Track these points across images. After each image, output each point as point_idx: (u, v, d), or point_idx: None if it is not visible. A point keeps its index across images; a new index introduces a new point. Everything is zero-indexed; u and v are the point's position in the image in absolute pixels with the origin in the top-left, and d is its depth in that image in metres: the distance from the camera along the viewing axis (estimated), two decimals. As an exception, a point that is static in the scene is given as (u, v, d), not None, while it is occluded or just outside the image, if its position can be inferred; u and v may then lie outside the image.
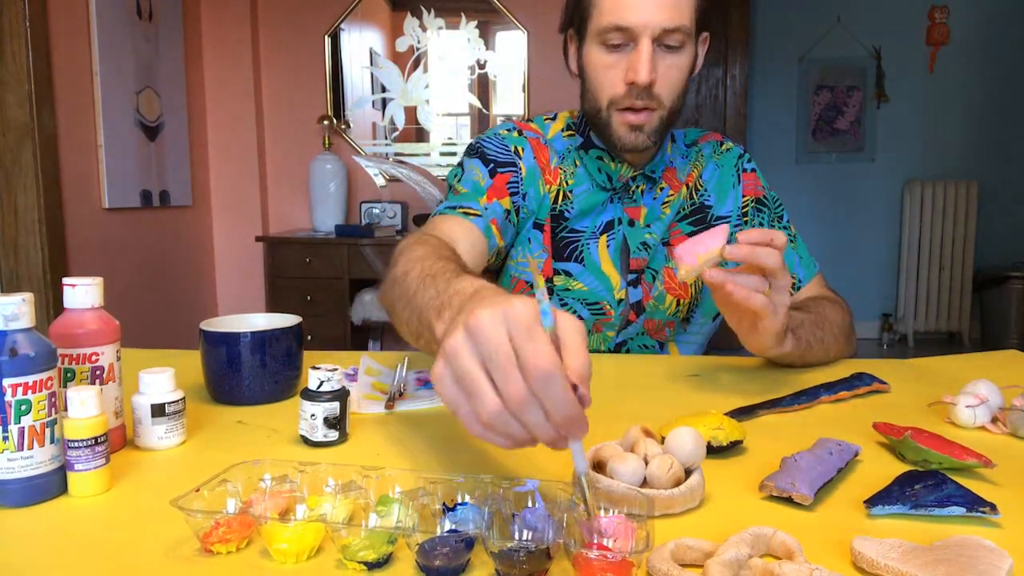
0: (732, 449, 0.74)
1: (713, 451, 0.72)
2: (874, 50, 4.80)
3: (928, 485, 0.62)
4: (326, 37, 3.69)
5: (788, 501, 0.63)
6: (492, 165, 1.14)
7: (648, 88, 1.03)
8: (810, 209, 4.89)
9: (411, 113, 3.73)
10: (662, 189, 1.19)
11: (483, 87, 3.71)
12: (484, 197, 1.12)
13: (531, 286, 1.16)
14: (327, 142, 3.62)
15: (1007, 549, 0.52)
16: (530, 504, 0.56)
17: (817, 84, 4.88)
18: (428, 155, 3.74)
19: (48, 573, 0.53)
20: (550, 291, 1.16)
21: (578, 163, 1.18)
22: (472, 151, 1.17)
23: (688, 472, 0.62)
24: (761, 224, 1.23)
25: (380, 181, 3.65)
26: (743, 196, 1.22)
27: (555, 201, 1.18)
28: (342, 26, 3.69)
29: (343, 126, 3.71)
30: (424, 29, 3.68)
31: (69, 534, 0.59)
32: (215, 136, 3.66)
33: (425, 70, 3.70)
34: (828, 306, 1.14)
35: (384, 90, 3.73)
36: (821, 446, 0.69)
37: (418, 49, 3.69)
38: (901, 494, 0.61)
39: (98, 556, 0.55)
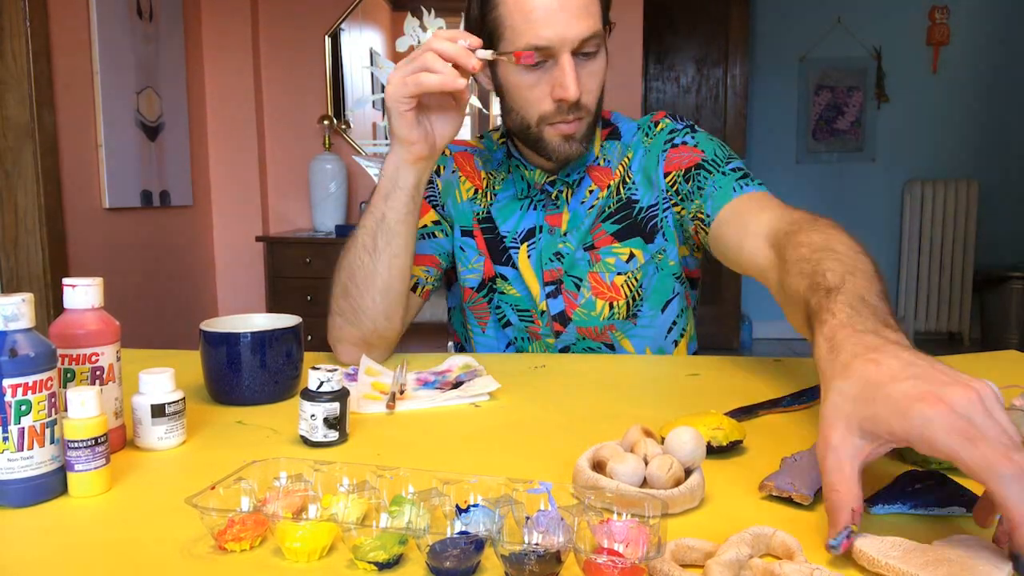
0: (732, 449, 0.74)
1: (713, 451, 0.72)
2: (874, 50, 4.80)
3: (928, 485, 0.62)
4: (326, 37, 3.69)
5: (788, 501, 0.63)
6: None
7: (576, 101, 1.03)
8: (810, 209, 4.87)
9: (411, 113, 3.73)
10: (591, 192, 1.16)
11: (483, 87, 3.71)
12: None
13: (473, 290, 1.20)
14: (327, 142, 3.62)
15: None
16: (543, 507, 0.56)
17: (817, 84, 4.88)
18: (428, 155, 3.74)
19: (48, 573, 0.53)
20: (494, 292, 1.17)
21: (511, 170, 1.20)
22: None
23: (688, 472, 0.62)
24: (701, 190, 1.08)
25: (380, 181, 3.65)
26: (664, 175, 1.13)
27: (486, 204, 1.20)
28: (342, 26, 3.69)
29: (343, 126, 3.71)
30: (424, 29, 3.68)
31: (69, 534, 0.59)
32: (215, 136, 3.66)
33: (425, 70, 3.70)
34: (820, 232, 0.86)
35: (384, 90, 3.73)
36: (821, 446, 0.69)
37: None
38: (901, 493, 0.61)
39: (99, 556, 0.55)
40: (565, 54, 1.00)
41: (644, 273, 1.16)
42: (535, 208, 1.17)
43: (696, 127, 1.17)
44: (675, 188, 1.13)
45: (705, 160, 1.11)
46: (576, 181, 1.16)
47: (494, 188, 1.21)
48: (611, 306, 1.15)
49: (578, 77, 1.01)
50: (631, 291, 1.15)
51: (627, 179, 1.16)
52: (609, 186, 1.16)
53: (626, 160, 1.17)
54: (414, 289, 1.17)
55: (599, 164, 1.17)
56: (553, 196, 1.16)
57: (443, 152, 1.24)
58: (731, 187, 1.07)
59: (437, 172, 1.23)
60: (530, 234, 1.17)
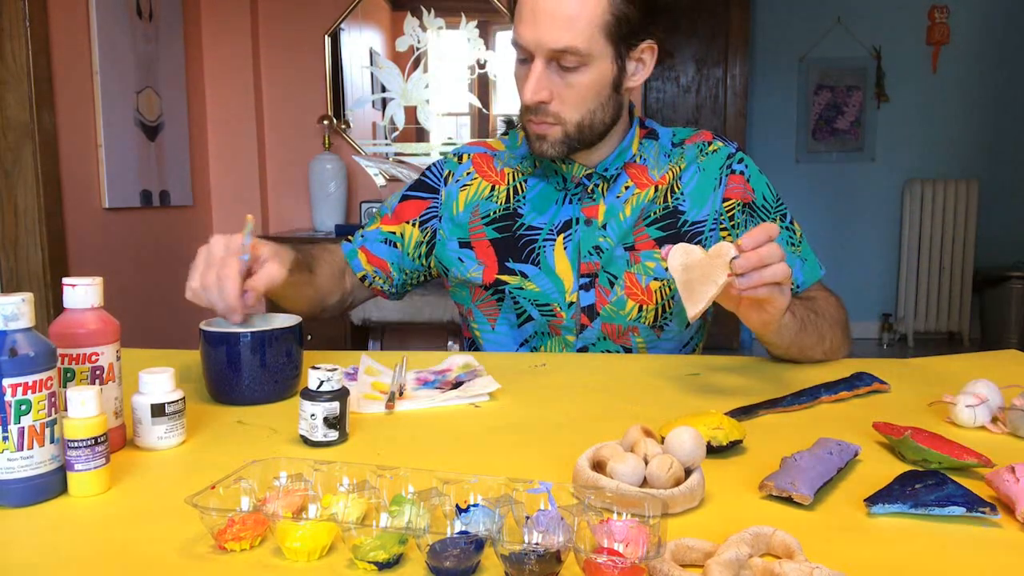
0: (732, 449, 0.74)
1: (713, 451, 0.72)
2: (874, 50, 4.80)
3: (928, 485, 0.62)
4: (326, 37, 3.68)
5: (788, 501, 0.63)
6: (410, 191, 1.27)
7: (542, 104, 1.07)
8: (810, 209, 4.89)
9: (411, 113, 3.73)
10: (627, 188, 1.17)
11: (483, 87, 3.71)
12: (376, 223, 1.27)
13: (482, 288, 1.21)
14: (327, 142, 3.62)
15: (1006, 549, 0.52)
16: (543, 507, 0.56)
17: (817, 84, 4.88)
18: (428, 155, 3.73)
19: (48, 573, 0.53)
20: (504, 292, 1.18)
21: (538, 164, 1.20)
22: (417, 178, 1.29)
23: (688, 472, 0.62)
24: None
25: (380, 181, 3.65)
26: (723, 200, 1.18)
27: (507, 200, 1.21)
28: (342, 26, 3.69)
29: (343, 126, 3.70)
30: (424, 29, 3.68)
31: (69, 534, 0.59)
32: (215, 136, 3.66)
33: (425, 70, 3.70)
34: (821, 299, 1.15)
35: (384, 90, 3.73)
36: (821, 446, 0.69)
37: (418, 49, 3.69)
38: (902, 493, 0.61)
39: (99, 556, 0.56)
40: (538, 58, 1.04)
41: None
42: (570, 201, 1.18)
43: (743, 152, 1.21)
44: (730, 214, 1.18)
45: (755, 203, 1.18)
46: (613, 176, 1.18)
47: (522, 183, 1.21)
48: (640, 309, 1.16)
49: (544, 85, 1.05)
50: (663, 299, 1.16)
51: (675, 188, 1.18)
52: (656, 189, 1.18)
53: (677, 169, 1.19)
54: (363, 279, 1.26)
55: (635, 161, 1.19)
56: (589, 189, 1.17)
57: (456, 156, 1.26)
58: (817, 265, 1.19)
59: (444, 182, 1.24)
60: (566, 226, 1.18)
